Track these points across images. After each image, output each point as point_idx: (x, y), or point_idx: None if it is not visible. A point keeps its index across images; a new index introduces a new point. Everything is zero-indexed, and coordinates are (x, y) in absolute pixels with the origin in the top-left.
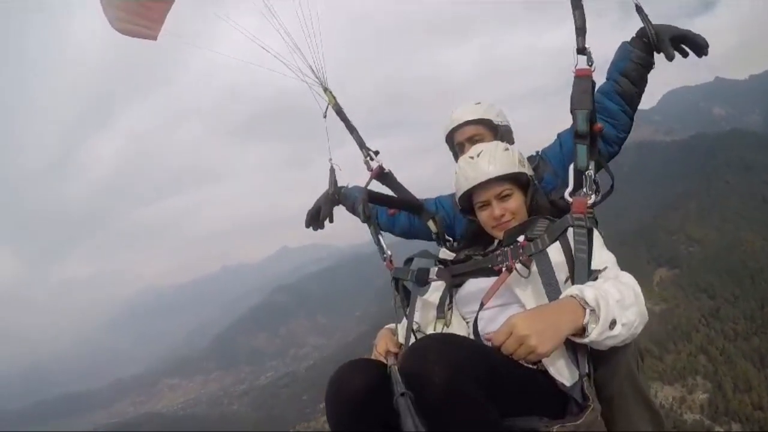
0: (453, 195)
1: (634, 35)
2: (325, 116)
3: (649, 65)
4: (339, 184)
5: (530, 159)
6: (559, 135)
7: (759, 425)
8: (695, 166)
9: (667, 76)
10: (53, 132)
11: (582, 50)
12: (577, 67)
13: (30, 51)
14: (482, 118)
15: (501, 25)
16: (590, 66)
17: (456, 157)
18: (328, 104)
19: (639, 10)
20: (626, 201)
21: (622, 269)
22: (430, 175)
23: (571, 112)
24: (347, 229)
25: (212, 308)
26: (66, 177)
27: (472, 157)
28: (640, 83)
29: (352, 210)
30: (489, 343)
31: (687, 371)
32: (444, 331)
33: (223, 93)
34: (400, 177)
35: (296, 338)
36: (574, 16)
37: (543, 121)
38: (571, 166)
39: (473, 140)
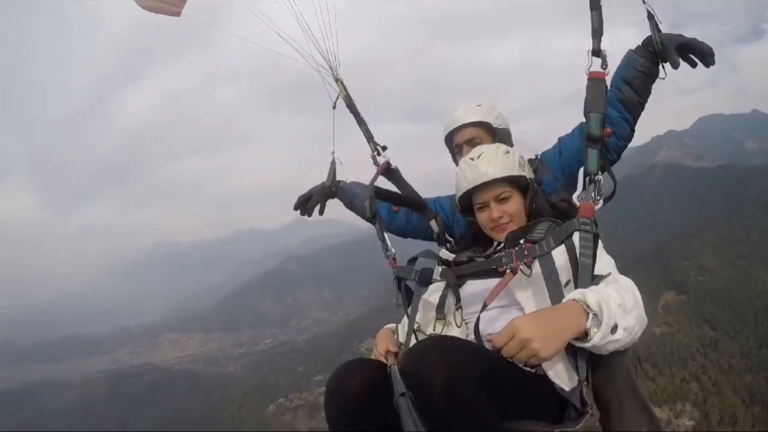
0: (452, 196)
1: (640, 43)
2: (334, 107)
3: (652, 74)
4: (338, 179)
5: (530, 162)
6: (559, 139)
7: None
8: (720, 196)
9: (703, 101)
10: (85, 80)
11: (597, 52)
12: (591, 70)
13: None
14: (482, 121)
15: (547, 25)
16: (604, 69)
17: (454, 157)
18: (339, 95)
19: (650, 17)
20: (649, 220)
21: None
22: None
23: (585, 114)
24: None
25: (224, 269)
26: (95, 126)
27: (472, 159)
28: (642, 92)
29: (350, 206)
30: (490, 345)
31: (677, 396)
32: (444, 332)
33: (261, 59)
34: (417, 170)
35: (300, 309)
36: (592, 17)
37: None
38: (581, 170)
39: (472, 142)
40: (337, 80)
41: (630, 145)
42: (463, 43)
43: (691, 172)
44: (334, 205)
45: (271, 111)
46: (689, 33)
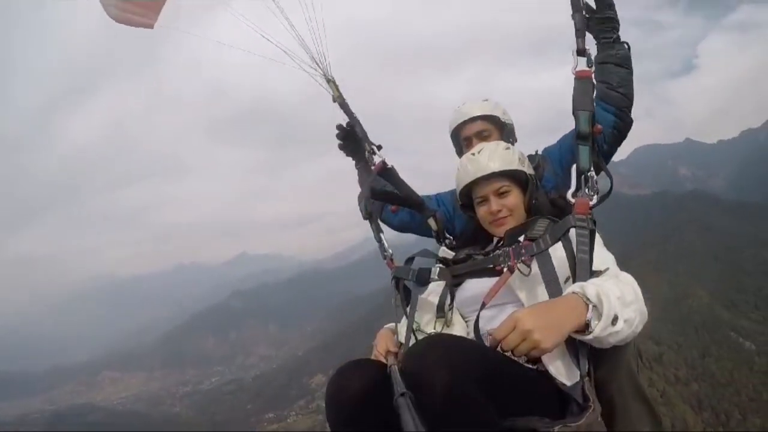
0: (454, 191)
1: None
2: (334, 101)
3: (625, 60)
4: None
5: (531, 158)
6: (563, 136)
7: None
8: (656, 222)
9: (639, 132)
10: (28, 99)
11: (582, 52)
12: (577, 69)
13: (16, 16)
14: (491, 115)
15: (495, 61)
16: (590, 67)
17: (460, 152)
18: (332, 95)
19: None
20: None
21: None
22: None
23: (573, 113)
24: (310, 244)
25: (164, 305)
26: (33, 149)
27: (473, 154)
28: (608, 78)
29: (362, 184)
30: (491, 340)
31: None
32: (444, 331)
33: (206, 89)
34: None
35: (245, 346)
36: (574, 19)
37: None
38: (573, 167)
39: (481, 135)
40: (329, 80)
41: None
42: (409, 78)
43: (628, 200)
44: (275, 239)
45: (214, 141)
46: None
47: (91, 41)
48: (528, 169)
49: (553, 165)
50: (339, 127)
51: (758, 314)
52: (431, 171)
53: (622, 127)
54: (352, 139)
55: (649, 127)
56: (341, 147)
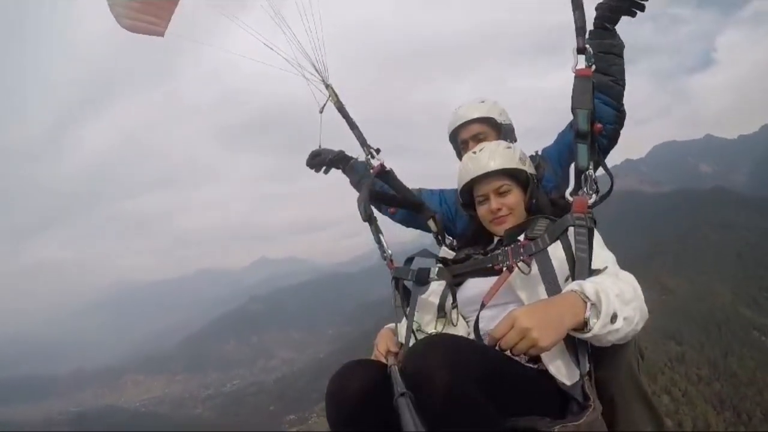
0: (456, 190)
1: (593, 22)
2: (321, 111)
3: (610, 49)
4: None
5: (531, 159)
6: (559, 134)
7: None
8: (676, 219)
9: (658, 129)
10: (46, 109)
11: (582, 50)
12: (577, 67)
13: (33, 28)
14: (487, 116)
15: (503, 63)
16: (590, 66)
17: (459, 154)
18: (328, 98)
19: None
20: (609, 247)
21: None
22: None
23: (572, 111)
24: (328, 248)
25: (185, 309)
26: (53, 157)
27: (474, 152)
28: (610, 70)
29: (357, 186)
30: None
31: None
32: (445, 331)
33: (222, 97)
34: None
35: (266, 349)
36: (575, 16)
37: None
38: (572, 166)
39: (477, 138)
40: (328, 86)
41: None
42: (420, 81)
43: (648, 198)
44: (294, 244)
45: (231, 148)
46: (642, 68)
47: (106, 51)
48: (529, 168)
49: (552, 165)
50: (308, 163)
51: None
52: (441, 174)
53: (621, 120)
54: (319, 165)
55: (668, 123)
56: (317, 170)
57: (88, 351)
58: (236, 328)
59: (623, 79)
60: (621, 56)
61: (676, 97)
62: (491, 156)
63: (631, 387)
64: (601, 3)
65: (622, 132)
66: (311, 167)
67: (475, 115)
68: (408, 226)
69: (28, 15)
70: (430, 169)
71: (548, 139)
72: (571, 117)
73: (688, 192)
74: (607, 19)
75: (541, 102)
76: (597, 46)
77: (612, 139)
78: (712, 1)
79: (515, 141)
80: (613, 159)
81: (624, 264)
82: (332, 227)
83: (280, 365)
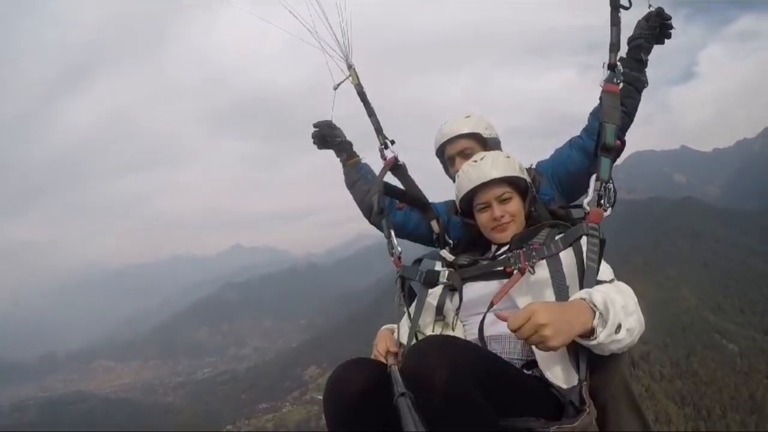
0: (447, 202)
1: (627, 50)
2: (335, 88)
3: (634, 82)
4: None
5: (527, 171)
6: (555, 150)
7: None
8: (648, 226)
9: (636, 138)
10: (22, 86)
11: (612, 66)
12: (605, 82)
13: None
14: (472, 132)
15: (498, 62)
16: (617, 83)
17: (446, 169)
18: (347, 78)
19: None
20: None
21: None
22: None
23: (600, 124)
24: (303, 238)
25: (157, 295)
26: (30, 135)
27: (475, 161)
28: (626, 102)
29: (352, 186)
30: (493, 336)
31: None
32: (443, 333)
33: (207, 78)
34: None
35: (238, 337)
36: (612, 32)
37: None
38: (593, 177)
39: (464, 154)
40: (350, 66)
41: None
42: (407, 79)
43: (623, 204)
44: (270, 232)
45: (213, 132)
46: None
47: (91, 25)
48: (528, 177)
49: (547, 178)
50: (318, 125)
51: (743, 318)
52: (426, 168)
53: (620, 151)
54: (324, 137)
55: (647, 133)
56: (317, 142)
57: (58, 335)
58: (209, 315)
59: (633, 114)
60: (640, 93)
61: (656, 108)
62: (493, 164)
63: (623, 394)
64: (641, 32)
65: None
66: (318, 137)
67: (461, 131)
68: (403, 230)
69: None
70: (417, 165)
71: (538, 140)
72: (565, 127)
73: (661, 200)
74: (645, 49)
75: (532, 104)
76: (623, 75)
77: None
78: (697, 16)
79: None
80: None
81: None
82: (308, 218)
83: (252, 353)
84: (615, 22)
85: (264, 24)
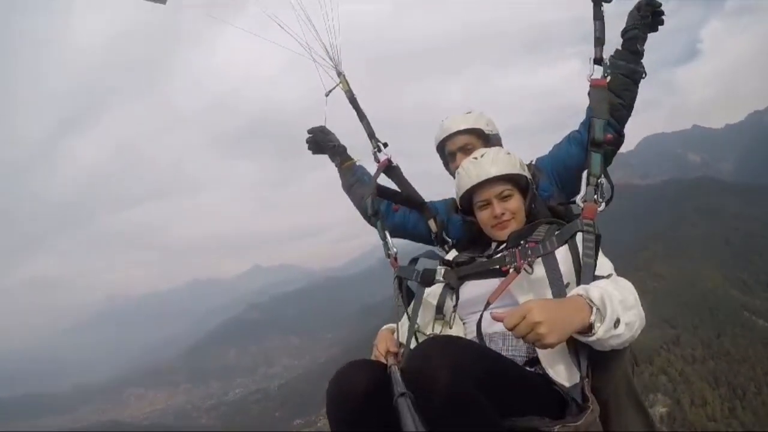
0: (446, 200)
1: (622, 41)
2: (327, 95)
3: (632, 74)
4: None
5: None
6: (554, 146)
7: None
8: (666, 209)
9: (646, 122)
10: (36, 126)
11: (599, 60)
12: (592, 77)
13: (21, 40)
14: (473, 128)
15: (495, 62)
16: (605, 77)
17: (447, 165)
18: (337, 85)
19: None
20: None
21: None
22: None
23: (589, 120)
24: (321, 253)
25: (182, 321)
26: (42, 174)
27: (475, 158)
28: (623, 94)
29: (349, 189)
30: (494, 334)
31: (648, 389)
32: (443, 332)
33: (213, 104)
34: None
35: (267, 357)
36: (595, 27)
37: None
38: (585, 173)
39: (465, 149)
40: (340, 74)
41: None
42: (409, 82)
43: (638, 191)
44: (286, 251)
45: (222, 156)
46: None
47: (93, 62)
48: (528, 174)
49: (546, 175)
50: (312, 130)
51: None
52: (430, 172)
53: (619, 144)
54: (318, 143)
55: (656, 116)
56: (311, 147)
57: (85, 367)
58: (235, 337)
59: (631, 107)
60: (637, 84)
61: (663, 90)
62: (493, 161)
63: (625, 390)
64: (634, 23)
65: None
66: (313, 142)
67: (462, 127)
68: (402, 230)
69: (14, 29)
70: (420, 171)
71: (543, 136)
72: (562, 122)
73: (676, 182)
74: (640, 39)
75: (534, 100)
76: (619, 66)
77: (608, 160)
78: None
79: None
80: None
81: (617, 255)
82: (323, 233)
83: (282, 371)
84: (598, 17)
85: (260, 45)
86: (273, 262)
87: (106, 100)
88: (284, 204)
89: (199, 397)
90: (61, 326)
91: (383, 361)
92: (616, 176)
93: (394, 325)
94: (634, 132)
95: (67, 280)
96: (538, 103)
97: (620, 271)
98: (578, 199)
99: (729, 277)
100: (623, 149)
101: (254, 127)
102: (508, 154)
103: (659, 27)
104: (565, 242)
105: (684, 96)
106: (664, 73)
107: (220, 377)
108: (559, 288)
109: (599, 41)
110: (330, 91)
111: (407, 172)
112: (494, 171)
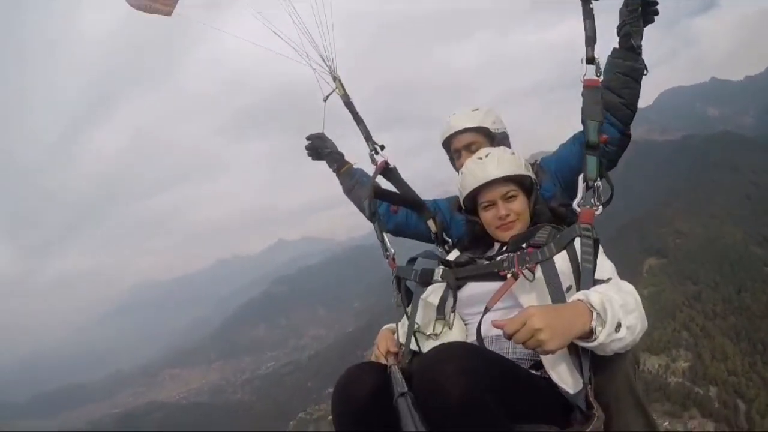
0: (450, 198)
1: (618, 40)
2: (325, 100)
3: (631, 73)
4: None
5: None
6: (560, 146)
7: (733, 387)
8: (686, 165)
9: (664, 75)
10: (52, 124)
11: (591, 60)
12: (586, 77)
13: (32, 41)
14: (479, 126)
15: (506, 20)
16: (598, 76)
17: (452, 162)
18: (334, 90)
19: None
20: (620, 197)
21: (616, 258)
22: (429, 168)
23: (583, 122)
24: (342, 223)
25: (209, 301)
26: (65, 169)
27: (480, 158)
28: (624, 93)
29: (349, 192)
30: (496, 336)
31: (671, 344)
32: (443, 333)
33: (226, 84)
34: (402, 172)
35: (296, 329)
36: (585, 26)
37: (542, 117)
38: (580, 177)
39: (470, 148)
40: (335, 78)
41: None
42: (423, 47)
43: (658, 146)
44: (308, 223)
45: (237, 137)
46: None
47: (105, 51)
48: (532, 174)
49: (550, 176)
50: (310, 137)
51: None
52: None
53: (624, 144)
54: (317, 149)
55: (674, 69)
56: (311, 154)
57: (121, 354)
58: (264, 312)
59: (634, 105)
60: (638, 81)
61: (680, 42)
62: (498, 162)
63: (627, 394)
64: (625, 19)
65: None
66: (312, 149)
67: (468, 125)
68: (405, 230)
69: (24, 25)
70: (431, 137)
71: (560, 92)
72: (561, 124)
73: (696, 138)
74: (634, 35)
75: (547, 55)
76: (617, 65)
77: (612, 161)
78: None
79: (510, 148)
80: None
81: (638, 213)
82: (343, 204)
83: (311, 343)
84: (588, 15)
85: (264, 28)
86: (296, 235)
87: (118, 89)
88: (302, 178)
89: (232, 372)
90: (95, 317)
91: (383, 361)
92: (635, 132)
93: (394, 325)
94: (652, 87)
95: (95, 272)
96: (556, 57)
97: (643, 228)
98: (575, 203)
99: (750, 232)
100: (641, 104)
101: (270, 103)
102: (513, 153)
103: (654, 17)
104: (564, 248)
105: (701, 48)
106: (680, 24)
107: (252, 352)
108: (557, 294)
109: (590, 40)
110: (327, 97)
111: (407, 169)
112: (499, 172)
